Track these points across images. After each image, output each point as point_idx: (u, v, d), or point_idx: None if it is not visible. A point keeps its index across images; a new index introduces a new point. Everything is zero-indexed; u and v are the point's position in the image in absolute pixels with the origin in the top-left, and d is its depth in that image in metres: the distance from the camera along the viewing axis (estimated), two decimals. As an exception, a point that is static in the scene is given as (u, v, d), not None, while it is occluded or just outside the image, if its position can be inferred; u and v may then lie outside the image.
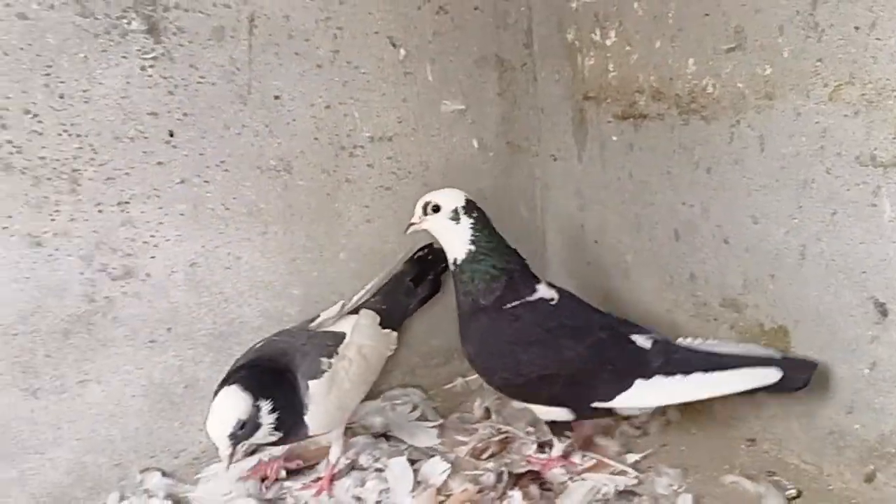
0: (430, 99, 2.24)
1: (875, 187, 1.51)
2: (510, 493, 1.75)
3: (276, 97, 1.98)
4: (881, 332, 1.58)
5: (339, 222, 2.16)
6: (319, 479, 1.87)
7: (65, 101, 1.71)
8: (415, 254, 2.18)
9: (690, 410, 2.07)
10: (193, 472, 1.97)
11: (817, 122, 1.58)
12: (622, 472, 1.83)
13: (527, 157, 2.48)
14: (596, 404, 1.75)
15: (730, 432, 1.97)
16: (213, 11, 1.85)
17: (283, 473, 1.90)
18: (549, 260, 2.54)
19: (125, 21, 1.75)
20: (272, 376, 1.66)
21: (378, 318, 1.96)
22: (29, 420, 1.79)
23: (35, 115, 1.68)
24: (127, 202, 1.82)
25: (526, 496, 1.73)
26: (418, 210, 1.84)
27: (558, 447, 1.88)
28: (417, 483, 1.83)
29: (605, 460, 1.88)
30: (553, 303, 1.80)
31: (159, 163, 1.84)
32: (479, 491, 1.78)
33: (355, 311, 1.97)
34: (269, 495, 1.85)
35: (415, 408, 2.21)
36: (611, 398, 1.72)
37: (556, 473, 1.84)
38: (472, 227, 1.78)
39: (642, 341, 1.77)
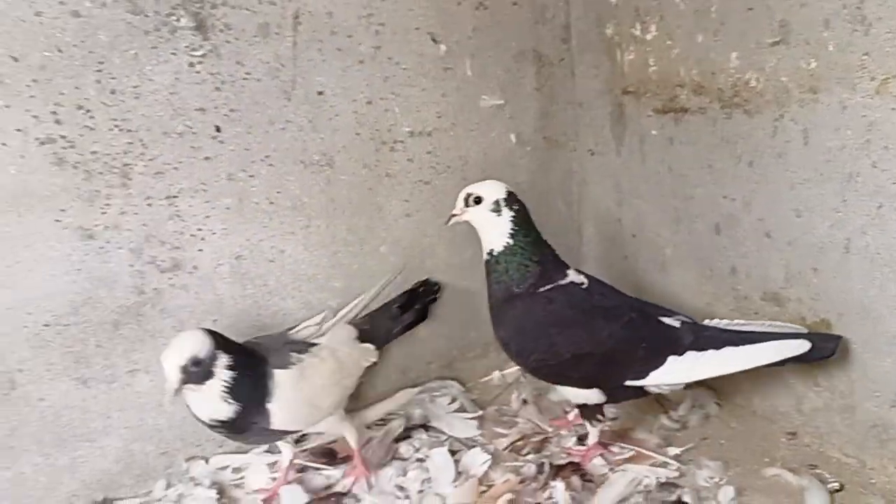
0: (469, 94, 2.26)
1: (922, 180, 1.51)
2: (552, 483, 1.76)
3: (320, 93, 2.01)
4: (927, 326, 1.57)
5: (379, 216, 2.19)
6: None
7: (116, 97, 1.74)
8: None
9: (729, 404, 2.08)
10: (239, 460, 2.00)
11: (864, 115, 1.58)
12: (663, 464, 1.84)
13: (564, 151, 2.49)
14: (629, 383, 1.77)
15: (770, 426, 1.98)
16: (258, 8, 1.88)
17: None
18: (585, 254, 2.55)
19: (174, 18, 1.78)
20: (241, 347, 1.67)
21: (356, 333, 1.95)
22: (80, 409, 1.83)
23: (87, 111, 1.72)
24: (175, 196, 1.85)
25: (568, 487, 1.75)
26: (460, 202, 1.85)
27: (593, 433, 1.89)
28: (459, 473, 1.86)
29: (645, 451, 1.89)
30: (584, 286, 1.83)
31: (206, 158, 1.88)
32: (521, 482, 1.80)
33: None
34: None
35: (453, 400, 2.23)
36: (644, 376, 1.75)
37: (596, 465, 1.86)
38: (512, 220, 1.79)
39: (671, 321, 1.80)
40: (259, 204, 1.98)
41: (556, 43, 2.39)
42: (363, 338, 1.95)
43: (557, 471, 1.82)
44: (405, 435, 2.03)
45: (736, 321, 1.85)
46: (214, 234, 1.92)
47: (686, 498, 1.70)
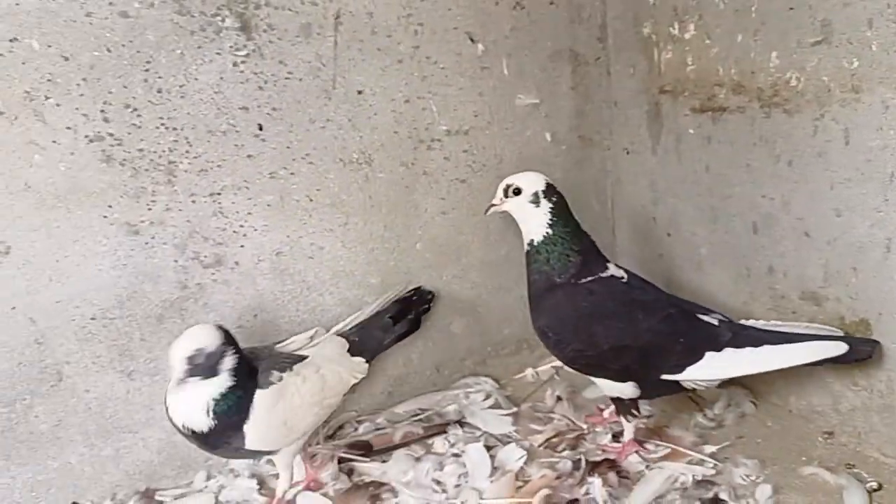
0: (506, 93, 2.28)
1: (966, 181, 1.50)
2: (589, 479, 1.77)
3: (359, 92, 2.03)
4: (968, 326, 1.57)
5: (415, 214, 2.21)
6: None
7: (162, 96, 1.78)
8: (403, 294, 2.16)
9: (765, 403, 2.08)
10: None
11: (906, 115, 1.58)
12: (699, 462, 1.84)
13: (599, 150, 2.50)
14: (665, 376, 1.78)
15: (807, 425, 1.98)
16: (301, 9, 1.90)
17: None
18: (619, 253, 2.55)
19: (219, 18, 1.81)
20: (247, 357, 1.66)
21: (347, 346, 1.91)
22: (124, 400, 1.87)
23: (135, 110, 1.75)
24: (219, 193, 1.89)
25: (605, 483, 1.75)
26: (499, 192, 1.88)
27: (629, 429, 1.90)
28: (495, 468, 1.87)
29: (681, 449, 1.90)
30: (624, 280, 1.85)
31: (249, 156, 1.91)
32: (558, 477, 1.81)
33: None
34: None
35: (488, 396, 2.24)
36: (681, 370, 1.77)
37: (632, 462, 1.86)
38: (550, 212, 1.81)
39: (709, 319, 1.82)
40: (299, 201, 2.01)
41: (592, 42, 2.40)
42: (354, 350, 1.91)
43: (594, 467, 1.82)
44: (440, 430, 2.05)
45: (772, 322, 1.86)
46: (256, 230, 1.96)
47: (723, 495, 1.70)
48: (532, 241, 1.84)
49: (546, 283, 1.82)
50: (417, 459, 1.92)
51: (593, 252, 1.86)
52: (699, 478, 1.78)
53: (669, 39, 2.14)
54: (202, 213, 1.88)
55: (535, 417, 2.13)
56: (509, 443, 1.98)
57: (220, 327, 1.63)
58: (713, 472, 1.80)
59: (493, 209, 1.91)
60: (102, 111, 1.72)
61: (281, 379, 1.69)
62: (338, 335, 1.94)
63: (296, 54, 1.92)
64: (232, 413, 1.60)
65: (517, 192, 1.84)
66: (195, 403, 1.58)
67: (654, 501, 1.72)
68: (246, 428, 1.61)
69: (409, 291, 2.17)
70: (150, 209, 1.81)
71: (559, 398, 2.18)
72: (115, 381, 1.85)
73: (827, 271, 1.84)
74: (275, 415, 1.66)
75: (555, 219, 1.81)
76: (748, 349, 1.75)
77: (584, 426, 2.05)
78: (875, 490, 1.71)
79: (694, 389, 1.88)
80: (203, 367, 1.56)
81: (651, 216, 2.38)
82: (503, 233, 2.29)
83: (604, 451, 1.93)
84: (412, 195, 2.19)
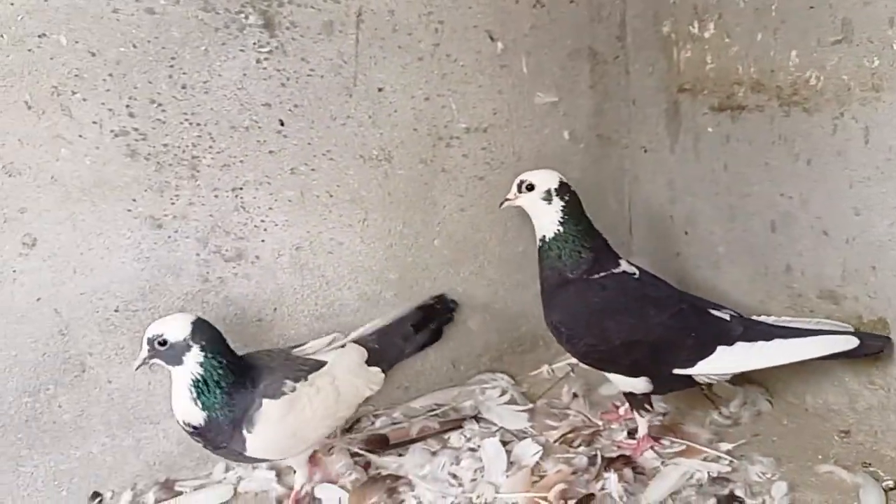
0: (525, 91, 2.29)
1: None
2: (605, 474, 1.78)
3: (380, 89, 2.05)
4: None
5: (434, 210, 2.22)
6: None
7: (187, 92, 1.80)
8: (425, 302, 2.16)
9: (781, 402, 2.08)
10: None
11: (927, 114, 1.58)
12: (715, 459, 1.84)
13: (617, 148, 2.51)
14: (677, 371, 1.80)
15: (823, 424, 1.97)
16: (323, 7, 1.93)
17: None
18: (635, 250, 2.55)
19: (243, 16, 1.83)
20: (233, 360, 1.64)
21: (366, 355, 1.87)
22: (145, 391, 1.89)
23: (159, 105, 1.78)
24: (241, 188, 1.91)
25: (621, 478, 1.76)
26: (514, 187, 1.91)
27: (643, 424, 1.91)
28: (511, 463, 1.87)
29: (696, 446, 1.90)
30: (636, 276, 1.88)
31: (271, 151, 1.93)
32: (574, 473, 1.82)
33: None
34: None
35: (503, 392, 2.25)
36: (693, 364, 1.78)
37: (648, 458, 1.87)
38: (562, 209, 1.84)
39: (720, 314, 1.83)
40: (319, 197, 2.03)
41: (611, 41, 2.41)
42: (373, 359, 1.87)
43: (609, 463, 1.83)
44: (457, 425, 2.06)
45: (783, 318, 1.87)
46: (276, 225, 1.98)
47: (739, 492, 1.71)
48: (544, 236, 1.86)
49: (558, 278, 1.85)
50: (434, 453, 1.93)
51: (605, 249, 1.89)
52: (715, 474, 1.78)
53: (689, 38, 2.14)
54: (224, 208, 1.90)
55: (550, 414, 2.14)
56: (525, 438, 1.99)
57: (198, 323, 1.61)
58: (729, 469, 1.81)
59: (506, 203, 1.94)
60: (128, 106, 1.75)
61: (294, 389, 1.66)
62: (357, 342, 1.90)
63: (318, 51, 1.94)
64: (222, 409, 1.59)
65: (530, 188, 1.87)
66: (182, 391, 1.60)
67: (670, 497, 1.73)
68: (247, 434, 1.60)
69: (433, 298, 2.18)
70: (173, 203, 1.84)
71: (575, 395, 2.19)
72: (137, 372, 1.85)
73: (845, 270, 1.84)
74: (284, 426, 1.64)
75: (566, 216, 1.84)
76: (759, 343, 1.76)
77: (600, 423, 2.07)
78: (892, 489, 1.71)
79: (708, 385, 1.89)
80: (164, 354, 1.58)
81: (668, 215, 2.39)
82: (520, 230, 2.30)
83: (619, 447, 1.94)
84: (431, 192, 2.20)
